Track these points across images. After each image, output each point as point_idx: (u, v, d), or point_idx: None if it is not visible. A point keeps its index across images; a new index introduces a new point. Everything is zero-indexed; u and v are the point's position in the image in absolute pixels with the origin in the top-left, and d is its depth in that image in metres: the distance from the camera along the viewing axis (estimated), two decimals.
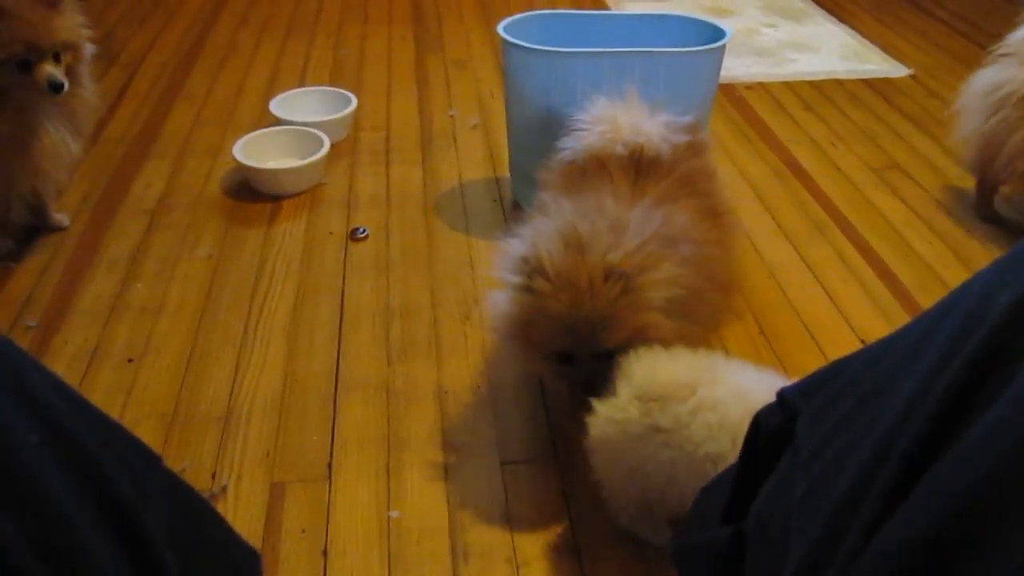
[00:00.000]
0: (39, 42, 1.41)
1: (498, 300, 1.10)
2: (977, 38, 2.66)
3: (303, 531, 1.08)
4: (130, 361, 1.34)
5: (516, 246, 1.09)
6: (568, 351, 1.07)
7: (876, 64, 2.46)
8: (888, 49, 2.56)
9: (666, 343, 1.04)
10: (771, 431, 0.68)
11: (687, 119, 1.29)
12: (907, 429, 0.46)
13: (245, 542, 0.83)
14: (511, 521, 1.09)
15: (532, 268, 1.04)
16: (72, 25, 1.49)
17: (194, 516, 0.73)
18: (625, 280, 1.02)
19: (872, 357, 0.58)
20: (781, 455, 0.65)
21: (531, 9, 1.71)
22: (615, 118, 1.25)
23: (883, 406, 0.50)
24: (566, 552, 1.05)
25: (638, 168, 1.20)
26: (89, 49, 1.54)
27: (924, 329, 0.53)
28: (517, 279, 1.06)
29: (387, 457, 1.19)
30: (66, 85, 1.44)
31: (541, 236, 1.06)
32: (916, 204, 1.79)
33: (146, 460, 0.65)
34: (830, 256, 1.62)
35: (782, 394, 0.68)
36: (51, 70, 1.43)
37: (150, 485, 0.62)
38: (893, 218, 1.74)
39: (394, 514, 1.10)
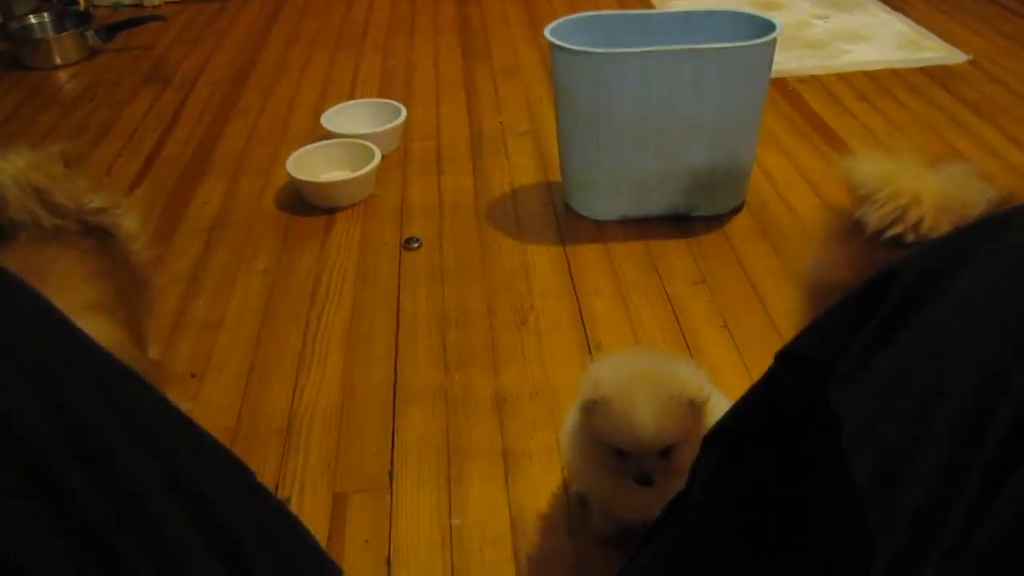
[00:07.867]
0: None
1: None
2: None
3: (366, 541, 1.08)
4: (193, 376, 1.36)
5: None
6: None
7: (933, 52, 2.40)
8: (945, 35, 2.49)
9: None
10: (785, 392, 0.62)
11: None
12: (1003, 404, 0.42)
13: (327, 555, 0.84)
14: (573, 528, 1.09)
15: None
16: None
17: (286, 534, 0.74)
18: None
19: (909, 295, 0.53)
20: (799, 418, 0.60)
21: (576, 12, 1.70)
22: None
23: (957, 372, 0.46)
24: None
25: None
26: None
27: (981, 282, 0.48)
28: None
29: (447, 465, 1.19)
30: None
31: None
32: None
33: (241, 476, 0.66)
34: None
35: (795, 351, 0.60)
36: None
37: (246, 504, 0.63)
38: None
39: (456, 523, 1.10)
